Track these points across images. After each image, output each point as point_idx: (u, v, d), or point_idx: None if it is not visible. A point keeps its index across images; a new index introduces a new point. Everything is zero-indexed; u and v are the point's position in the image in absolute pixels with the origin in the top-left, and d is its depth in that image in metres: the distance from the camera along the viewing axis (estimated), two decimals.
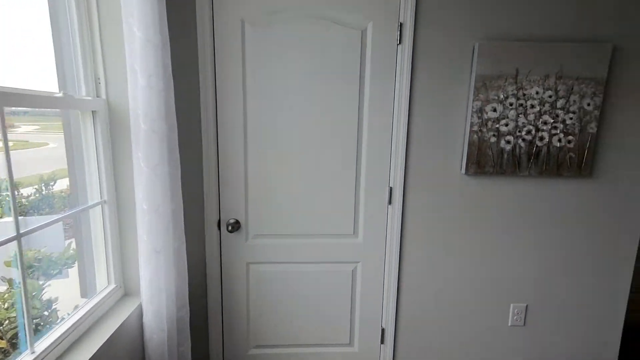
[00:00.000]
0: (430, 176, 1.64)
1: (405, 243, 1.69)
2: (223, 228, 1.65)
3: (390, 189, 1.64)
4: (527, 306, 1.77)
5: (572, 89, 1.55)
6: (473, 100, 1.55)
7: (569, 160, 1.61)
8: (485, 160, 1.60)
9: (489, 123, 1.57)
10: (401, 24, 1.52)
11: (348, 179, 1.63)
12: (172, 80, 1.22)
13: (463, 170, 1.62)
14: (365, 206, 1.66)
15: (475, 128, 1.57)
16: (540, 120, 1.57)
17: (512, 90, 1.55)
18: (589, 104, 1.56)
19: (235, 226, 1.62)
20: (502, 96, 1.55)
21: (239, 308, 1.72)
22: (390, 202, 1.66)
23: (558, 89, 1.55)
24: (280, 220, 1.65)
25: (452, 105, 1.59)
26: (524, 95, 1.55)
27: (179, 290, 1.34)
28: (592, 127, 1.58)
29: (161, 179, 1.20)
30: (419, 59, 1.54)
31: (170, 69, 1.21)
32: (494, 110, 1.56)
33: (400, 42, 1.53)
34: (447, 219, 1.68)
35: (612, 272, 1.74)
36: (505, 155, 1.60)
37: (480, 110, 1.56)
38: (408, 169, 1.63)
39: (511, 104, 1.56)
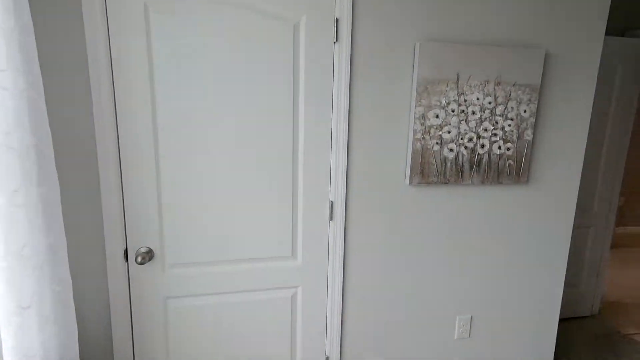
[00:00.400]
0: (373, 188, 1.50)
1: (349, 261, 1.54)
2: (132, 259, 1.35)
3: (331, 203, 1.48)
4: (471, 317, 1.73)
5: (510, 95, 1.52)
6: (415, 106, 1.44)
7: (508, 168, 1.58)
8: (429, 169, 1.50)
9: (432, 130, 1.48)
10: (337, 20, 1.36)
11: (284, 194, 1.43)
12: (40, 80, 0.91)
13: (407, 181, 1.51)
14: (304, 224, 1.48)
15: (419, 135, 1.47)
16: (481, 127, 1.52)
17: (453, 96, 1.47)
18: (525, 111, 1.54)
19: (148, 256, 1.33)
20: (444, 102, 1.46)
21: (155, 354, 1.43)
22: (331, 218, 1.49)
23: (497, 95, 1.51)
24: (204, 244, 1.40)
25: (394, 111, 1.47)
26: (465, 101, 1.48)
27: (65, 352, 1.02)
28: (529, 134, 1.57)
29: (26, 209, 0.89)
30: (358, 59, 1.39)
31: (37, 64, 0.90)
32: (437, 116, 1.47)
33: (337, 40, 1.37)
34: (391, 232, 1.56)
35: (547, 275, 1.76)
36: (449, 164, 1.52)
37: (423, 117, 1.46)
38: (350, 181, 1.47)
39: (453, 110, 1.48)
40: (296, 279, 1.52)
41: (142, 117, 1.26)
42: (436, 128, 1.48)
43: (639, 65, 2.33)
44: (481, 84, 1.48)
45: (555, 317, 1.82)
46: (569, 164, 1.67)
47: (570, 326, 2.54)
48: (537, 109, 1.58)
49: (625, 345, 2.33)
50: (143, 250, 1.34)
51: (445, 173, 1.52)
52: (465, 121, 1.50)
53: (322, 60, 1.37)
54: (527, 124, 1.56)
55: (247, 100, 1.33)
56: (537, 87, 1.53)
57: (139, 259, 1.29)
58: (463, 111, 1.49)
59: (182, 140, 1.31)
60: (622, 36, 2.43)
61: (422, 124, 1.46)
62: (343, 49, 1.37)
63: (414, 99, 1.44)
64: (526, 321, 1.79)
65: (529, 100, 1.53)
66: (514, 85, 1.51)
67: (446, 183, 1.53)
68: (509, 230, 1.67)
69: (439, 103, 1.46)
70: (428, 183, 1.51)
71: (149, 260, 1.34)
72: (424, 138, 1.47)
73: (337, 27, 1.36)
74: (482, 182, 1.57)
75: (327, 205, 1.48)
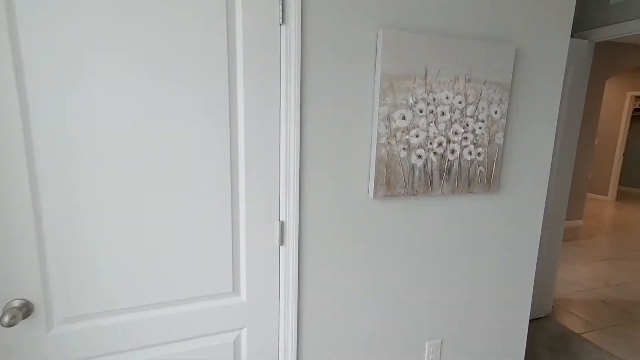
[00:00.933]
0: (332, 204, 1.25)
1: (305, 293, 1.27)
2: None
3: (282, 224, 1.20)
4: (442, 341, 1.55)
5: (481, 94, 1.35)
6: (379, 105, 1.21)
7: (479, 175, 1.42)
8: (395, 179, 1.29)
9: (398, 134, 1.26)
10: None
11: (221, 215, 1.12)
12: None
13: (371, 194, 1.28)
14: (249, 251, 1.18)
15: (383, 140, 1.24)
16: (451, 130, 1.34)
17: (421, 94, 1.26)
18: (496, 112, 1.39)
19: (22, 312, 0.95)
20: (411, 100, 1.25)
21: None
22: (282, 242, 1.21)
23: (467, 93, 1.33)
24: (111, 286, 1.04)
25: (355, 112, 1.23)
26: (434, 100, 1.29)
27: None
28: (500, 138, 1.42)
29: None
30: (311, 47, 1.13)
31: None
32: (403, 117, 1.26)
33: (283, 22, 1.09)
34: (354, 255, 1.32)
35: (516, 289, 1.64)
36: (417, 173, 1.32)
37: (388, 118, 1.24)
38: (304, 197, 1.21)
39: (421, 111, 1.28)
40: (240, 319, 1.21)
41: (4, 116, 0.88)
42: (403, 131, 1.26)
43: (587, 66, 2.35)
44: (451, 80, 1.30)
45: (524, 328, 1.72)
46: (537, 169, 1.55)
47: (529, 329, 2.51)
48: (508, 109, 1.44)
49: (580, 344, 2.34)
50: (15, 304, 0.95)
51: (413, 183, 1.32)
52: (435, 123, 1.30)
53: (266, 47, 1.08)
54: (498, 126, 1.40)
55: (164, 100, 1.00)
56: (508, 86, 1.38)
57: (7, 319, 0.90)
58: (432, 112, 1.29)
59: (74, 150, 0.94)
60: (571, 37, 2.45)
61: (387, 127, 1.24)
62: (292, 35, 1.09)
63: (378, 97, 1.21)
64: (495, 338, 1.66)
65: (500, 100, 1.38)
66: (484, 83, 1.34)
67: (415, 194, 1.33)
68: (480, 243, 1.52)
69: (405, 102, 1.25)
70: (395, 195, 1.30)
71: (25, 317, 0.96)
72: (389, 143, 1.25)
73: (282, 4, 1.08)
74: (453, 192, 1.39)
75: (277, 226, 1.20)
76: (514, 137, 1.48)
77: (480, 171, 1.41)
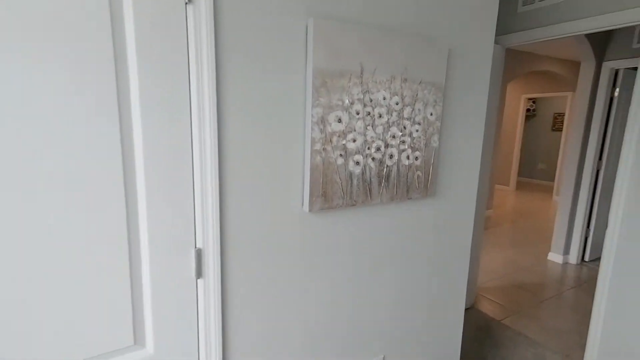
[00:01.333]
0: (261, 222, 1.05)
1: (232, 334, 1.06)
2: None
3: (199, 252, 0.97)
4: (384, 357, 1.47)
5: (417, 95, 1.27)
6: (313, 106, 1.05)
7: (417, 180, 1.35)
8: (333, 190, 1.14)
9: (334, 138, 1.12)
10: None
11: (112, 243, 0.85)
12: None
13: (306, 207, 1.11)
14: (155, 288, 0.93)
15: (318, 146, 1.09)
16: (389, 133, 1.24)
17: (357, 94, 1.13)
18: (431, 114, 1.33)
19: None
20: (347, 101, 1.12)
21: None
22: (200, 274, 0.98)
23: (404, 94, 1.24)
24: None
25: (284, 113, 1.05)
26: (371, 101, 1.17)
27: None
28: (435, 141, 1.37)
29: None
30: (228, 35, 0.92)
31: None
32: (339, 120, 1.11)
33: (189, 0, 0.86)
34: (290, 280, 1.14)
35: (451, 292, 1.64)
36: (355, 181, 1.19)
37: (323, 121, 1.08)
38: (226, 216, 0.99)
39: (358, 113, 1.15)
40: None
41: None
42: (339, 135, 1.12)
43: (500, 70, 2.50)
44: (387, 80, 1.19)
45: (460, 325, 1.72)
46: (468, 170, 1.55)
47: None
48: (442, 111, 1.39)
49: (501, 331, 2.50)
50: None
51: (351, 193, 1.19)
52: (372, 126, 1.19)
53: (167, 30, 0.84)
54: (433, 129, 1.35)
55: (36, 96, 0.71)
56: (442, 87, 1.33)
57: None
58: (369, 113, 1.17)
59: None
60: None
61: (322, 131, 1.08)
62: (202, 16, 0.87)
63: (311, 96, 1.05)
64: (434, 341, 1.63)
65: (435, 101, 1.33)
66: (420, 83, 1.27)
67: (353, 205, 1.20)
68: (419, 249, 1.46)
69: (341, 103, 1.10)
70: (332, 208, 1.15)
71: None
72: (324, 149, 1.10)
73: None
74: (392, 200, 1.30)
75: (192, 254, 0.96)
76: (448, 139, 1.45)
77: (418, 176, 1.34)
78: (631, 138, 1.79)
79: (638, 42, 3.18)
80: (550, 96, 7.21)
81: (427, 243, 1.48)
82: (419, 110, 1.29)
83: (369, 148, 1.19)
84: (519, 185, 8.27)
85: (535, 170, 8.57)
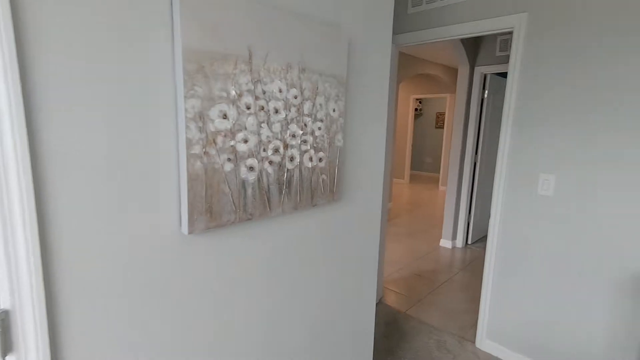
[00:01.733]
0: (119, 256, 0.77)
1: None
2: None
3: (5, 314, 0.64)
4: None
5: (317, 88, 1.12)
6: (187, 98, 0.81)
7: (322, 184, 1.21)
8: (221, 204, 0.91)
9: (219, 139, 0.89)
10: None
11: None
12: None
13: (185, 229, 0.86)
14: None
15: (198, 149, 0.84)
16: (288, 132, 1.06)
17: (247, 84, 0.93)
18: (334, 110, 1.20)
19: None
20: (233, 92, 0.90)
21: None
22: (7, 349, 0.65)
23: (303, 86, 1.08)
24: None
25: (143, 105, 0.77)
26: (265, 93, 0.97)
27: None
28: (339, 139, 1.24)
29: None
30: None
31: None
32: (224, 116, 0.89)
33: None
34: (172, 333, 0.88)
35: (363, 294, 1.56)
36: (250, 190, 0.98)
37: (202, 117, 0.84)
38: (54, 256, 0.68)
39: (249, 107, 0.94)
40: None
41: None
42: (226, 135, 0.90)
43: (394, 68, 2.56)
44: (283, 69, 1.01)
45: (371, 330, 1.67)
46: (373, 169, 1.48)
47: None
48: (345, 107, 1.27)
49: (407, 323, 2.59)
50: None
51: (246, 205, 0.97)
52: (268, 123, 0.99)
53: None
54: (337, 126, 1.22)
55: None
56: (344, 80, 1.21)
57: None
58: (263, 108, 0.97)
59: None
60: None
61: (201, 129, 0.84)
62: None
63: (182, 85, 0.80)
64: (347, 348, 1.54)
65: (337, 96, 1.20)
66: (320, 75, 1.12)
67: (249, 219, 0.99)
68: (328, 259, 1.32)
69: (226, 94, 0.88)
70: (222, 225, 0.92)
71: None
72: (206, 153, 0.86)
73: None
74: (295, 208, 1.13)
75: None
76: (352, 138, 1.34)
77: (323, 179, 1.20)
78: (505, 140, 1.97)
79: (500, 51, 3.66)
80: (433, 97, 8.07)
81: (336, 249, 1.36)
82: (321, 105, 1.14)
83: (264, 150, 1.00)
84: (412, 178, 9.09)
85: (424, 164, 9.54)
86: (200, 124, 0.84)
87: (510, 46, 2.33)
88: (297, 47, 1.04)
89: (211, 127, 0.86)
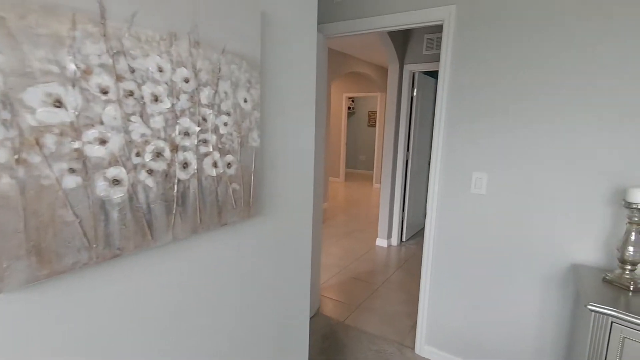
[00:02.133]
0: None
1: None
2: None
3: None
4: None
5: (220, 70, 0.84)
6: None
7: (233, 196, 0.93)
8: (62, 237, 0.59)
9: (50, 139, 0.56)
10: None
11: None
12: None
13: None
14: None
15: (3, 156, 0.51)
16: (178, 128, 0.76)
17: (99, 55, 0.61)
18: (245, 100, 0.93)
19: None
20: (73, 67, 0.58)
21: None
22: None
23: (197, 66, 0.79)
24: None
25: None
26: (134, 71, 0.67)
27: None
28: (255, 139, 0.97)
29: None
30: None
31: None
32: (56, 103, 0.57)
33: None
34: None
35: (294, 317, 1.32)
36: (117, 214, 0.67)
37: (9, 103, 0.51)
38: None
39: (105, 91, 0.63)
40: None
41: None
42: (62, 133, 0.58)
43: (324, 59, 2.36)
44: (164, 39, 0.71)
45: (305, 349, 1.43)
46: (301, 173, 1.24)
47: None
48: (261, 97, 1.01)
49: (345, 333, 2.42)
50: None
51: (109, 235, 0.66)
52: (142, 116, 0.69)
53: None
54: (251, 122, 0.95)
55: None
56: (258, 63, 0.95)
57: None
58: (132, 93, 0.67)
59: None
60: None
61: (7, 124, 0.52)
62: None
63: None
64: None
65: (249, 82, 0.93)
66: (223, 52, 0.84)
67: (117, 255, 0.68)
68: (250, 283, 1.05)
69: (57, 69, 0.56)
70: (61, 272, 0.60)
71: None
72: (23, 161, 0.54)
73: None
74: (195, 232, 0.83)
75: None
76: (273, 136, 1.09)
77: (234, 190, 0.92)
78: (438, 138, 1.89)
79: (426, 50, 3.70)
80: (365, 96, 8.16)
81: (257, 274, 1.09)
82: (226, 93, 0.86)
83: (138, 154, 0.69)
84: (347, 176, 9.14)
85: (358, 162, 9.67)
86: (7, 115, 0.51)
87: (441, 42, 2.27)
88: (186, 12, 0.75)
89: (29, 120, 0.53)
